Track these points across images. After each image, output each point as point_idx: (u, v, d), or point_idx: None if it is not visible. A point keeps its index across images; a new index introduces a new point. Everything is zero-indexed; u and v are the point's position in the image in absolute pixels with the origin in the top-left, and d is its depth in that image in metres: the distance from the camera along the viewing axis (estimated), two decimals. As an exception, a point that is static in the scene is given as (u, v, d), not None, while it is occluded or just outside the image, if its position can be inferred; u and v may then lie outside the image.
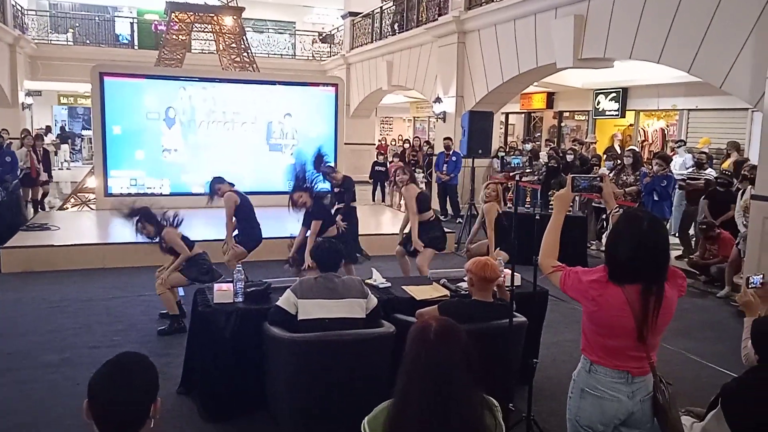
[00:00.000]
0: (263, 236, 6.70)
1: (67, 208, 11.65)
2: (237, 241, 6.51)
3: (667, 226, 9.13)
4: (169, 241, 5.63)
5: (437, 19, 13.58)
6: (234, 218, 6.47)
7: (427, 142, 16.32)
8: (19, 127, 14.62)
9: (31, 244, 8.02)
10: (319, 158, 6.96)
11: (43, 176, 11.70)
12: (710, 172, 9.55)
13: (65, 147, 22.93)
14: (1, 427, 3.89)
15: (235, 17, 16.97)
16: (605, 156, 11.88)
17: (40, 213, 11.00)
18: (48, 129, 23.24)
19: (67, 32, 20.85)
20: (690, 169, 10.01)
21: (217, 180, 6.60)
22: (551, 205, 3.09)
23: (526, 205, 9.31)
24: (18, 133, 12.89)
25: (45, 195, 12.09)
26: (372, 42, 17.88)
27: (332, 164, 7.45)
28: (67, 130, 25.49)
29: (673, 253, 8.13)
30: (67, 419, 3.90)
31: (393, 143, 18.15)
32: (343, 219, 6.65)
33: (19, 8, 18.08)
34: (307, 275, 4.97)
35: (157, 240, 5.66)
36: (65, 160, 22.21)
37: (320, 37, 22.92)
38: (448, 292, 4.33)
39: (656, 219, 2.43)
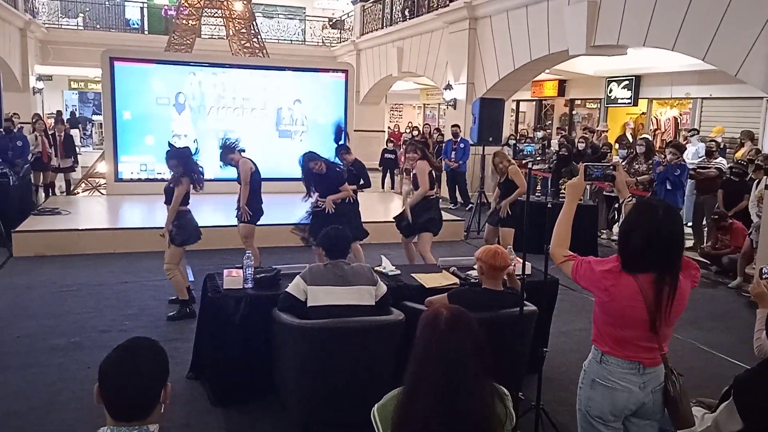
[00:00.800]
0: (274, 223, 6.69)
1: (78, 193, 11.70)
2: (243, 219, 6.46)
3: (680, 216, 9.06)
4: (177, 192, 5.54)
5: (448, 5, 13.45)
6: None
7: (437, 129, 16.25)
8: (30, 112, 14.66)
9: (43, 229, 8.06)
10: (339, 131, 7.08)
11: (66, 162, 11.69)
12: (720, 161, 9.45)
13: (75, 132, 22.96)
14: (11, 409, 3.92)
15: (245, 2, 16.89)
16: (617, 145, 11.79)
17: (51, 197, 11.05)
18: (59, 114, 23.29)
19: (78, 17, 20.84)
20: (702, 159, 9.92)
21: (231, 148, 6.43)
22: (562, 193, 3.05)
23: (536, 194, 9.26)
24: (29, 118, 12.93)
25: (68, 182, 12.06)
26: (382, 28, 17.77)
27: (347, 144, 7.43)
28: (77, 115, 25.54)
29: (687, 244, 8.08)
30: (77, 402, 3.93)
31: (407, 131, 18.02)
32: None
33: (30, -8, 18.10)
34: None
35: (171, 182, 5.61)
36: (78, 145, 22.25)
37: (330, 23, 22.80)
38: (457, 280, 4.32)
39: (671, 208, 2.39)
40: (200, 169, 5.73)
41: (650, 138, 11.64)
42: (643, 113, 14.96)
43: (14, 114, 12.06)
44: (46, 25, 18.69)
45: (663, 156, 9.08)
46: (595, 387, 2.42)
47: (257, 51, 16.84)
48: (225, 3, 16.72)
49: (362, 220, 6.72)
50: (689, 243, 8.72)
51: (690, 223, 9.40)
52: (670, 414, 2.41)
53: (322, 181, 6.20)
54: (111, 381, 1.63)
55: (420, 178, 6.45)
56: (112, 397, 1.62)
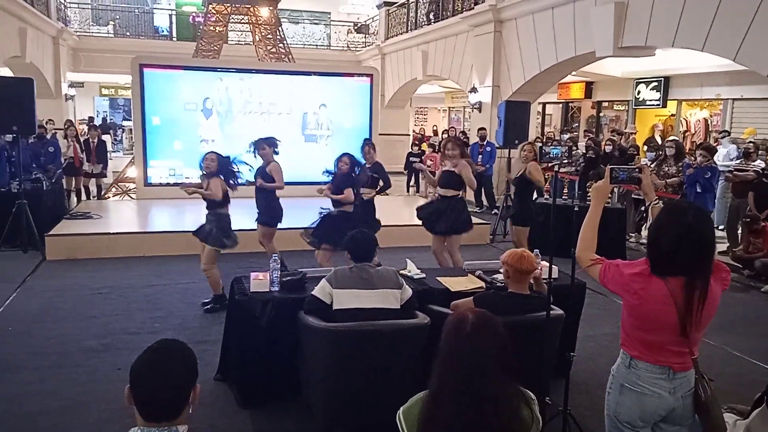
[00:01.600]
0: (298, 227, 6.75)
1: (109, 197, 11.91)
2: (263, 221, 6.64)
3: (710, 219, 8.88)
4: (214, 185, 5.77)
5: (473, 8, 13.42)
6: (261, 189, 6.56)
7: (463, 133, 16.20)
8: (63, 118, 14.99)
9: (74, 233, 8.23)
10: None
11: (98, 168, 11.92)
12: (759, 163, 9.24)
13: (107, 137, 23.48)
14: (44, 407, 4.01)
15: (271, 8, 17.06)
16: (645, 147, 11.62)
17: (83, 202, 11.27)
18: (91, 120, 23.86)
19: (108, 25, 21.26)
20: (734, 161, 9.72)
21: (271, 143, 6.51)
22: (589, 196, 3.02)
23: (563, 197, 9.17)
24: (62, 124, 13.22)
25: (99, 187, 12.26)
26: (407, 32, 17.79)
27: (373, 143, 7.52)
28: (108, 120, 26.07)
29: (718, 247, 7.94)
30: (108, 403, 4.00)
31: (434, 134, 17.97)
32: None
33: (62, 1, 18.50)
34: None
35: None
36: (108, 151, 22.74)
37: (355, 28, 22.91)
38: (483, 284, 4.30)
39: (702, 210, 2.35)
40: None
41: (680, 140, 11.46)
42: (672, 115, 14.73)
43: (49, 120, 12.33)
44: (78, 33, 19.10)
45: (693, 158, 8.93)
46: (624, 392, 2.39)
47: (283, 56, 16.99)
48: (251, 9, 16.91)
49: (383, 223, 6.76)
50: (722, 246, 8.56)
51: (722, 227, 9.22)
52: (701, 420, 2.36)
53: (336, 179, 6.35)
54: (143, 382, 1.67)
55: (467, 176, 6.41)
56: (143, 397, 1.66)
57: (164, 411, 1.67)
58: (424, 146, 16.89)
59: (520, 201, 7.34)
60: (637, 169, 2.70)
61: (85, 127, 13.01)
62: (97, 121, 25.12)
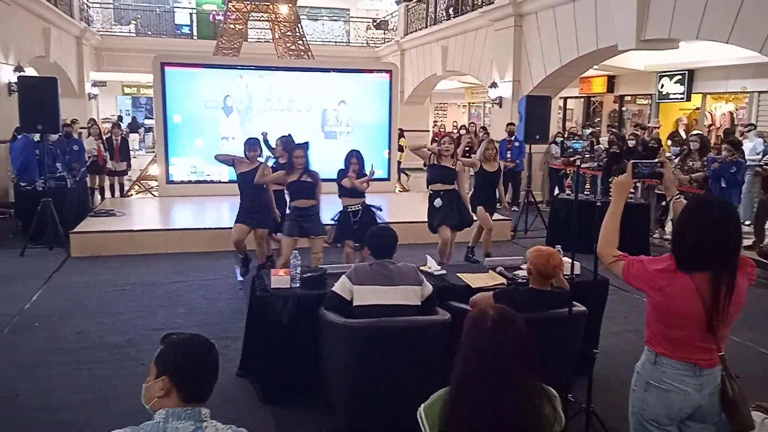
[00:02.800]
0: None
1: (131, 195, 12.06)
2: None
3: (736, 214, 8.72)
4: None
5: (493, 3, 13.32)
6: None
7: (483, 128, 16.11)
8: (86, 117, 15.19)
9: (98, 230, 8.34)
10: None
11: (121, 166, 12.05)
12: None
13: (134, 136, 24.03)
14: (69, 401, 4.07)
15: (290, 5, 17.11)
16: (670, 141, 11.45)
17: (107, 199, 11.42)
18: (120, 119, 24.40)
19: (130, 24, 21.50)
20: (760, 155, 9.53)
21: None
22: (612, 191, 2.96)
23: (585, 192, 9.08)
24: (85, 123, 13.40)
25: (121, 185, 12.40)
26: (426, 27, 17.73)
27: None
28: (138, 120, 26.52)
29: (744, 242, 7.80)
30: (132, 398, 4.03)
31: (454, 131, 17.85)
32: None
33: (85, 1, 18.73)
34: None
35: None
36: (135, 149, 23.25)
37: (374, 24, 22.88)
38: (504, 281, 4.27)
39: (728, 204, 2.31)
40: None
41: (704, 134, 11.27)
42: (696, 108, 14.50)
43: (74, 120, 12.51)
44: (100, 33, 19.33)
45: (718, 152, 8.78)
46: (650, 389, 2.36)
47: (302, 53, 17.04)
48: (271, 7, 16.97)
49: (405, 220, 6.82)
50: (747, 241, 8.41)
51: (748, 221, 9.06)
52: (728, 417, 2.32)
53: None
54: (189, 362, 1.84)
55: (460, 181, 6.80)
56: (188, 376, 1.82)
57: (204, 391, 1.85)
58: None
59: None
60: (659, 164, 2.66)
61: (108, 126, 13.15)
62: (127, 120, 25.69)
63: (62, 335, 5.24)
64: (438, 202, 6.61)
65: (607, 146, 11.29)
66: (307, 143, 6.37)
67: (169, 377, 1.81)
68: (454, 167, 6.66)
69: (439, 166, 6.68)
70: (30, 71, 12.49)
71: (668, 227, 9.50)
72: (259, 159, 6.68)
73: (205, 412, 1.82)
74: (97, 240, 8.08)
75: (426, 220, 6.90)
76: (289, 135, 7.04)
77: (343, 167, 6.42)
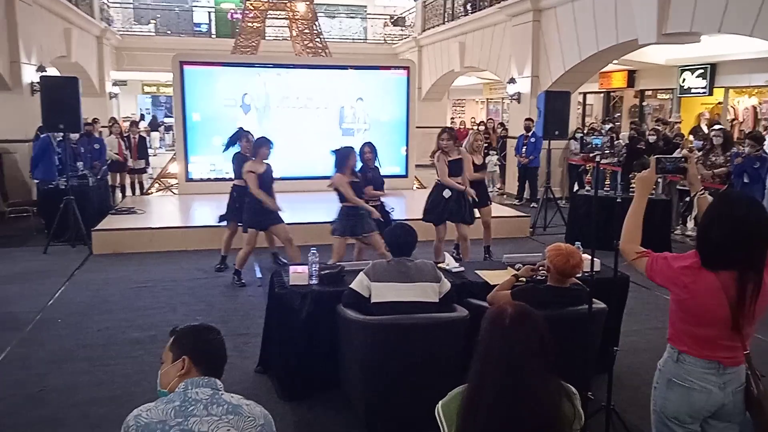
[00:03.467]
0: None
1: (152, 193, 12.18)
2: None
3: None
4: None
5: (511, -2, 13.23)
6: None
7: (501, 124, 16.02)
8: (107, 116, 15.37)
9: (119, 227, 8.44)
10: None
11: (139, 163, 12.18)
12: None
13: (155, 134, 24.45)
14: (94, 397, 4.13)
15: (307, 3, 17.15)
16: (692, 136, 11.29)
17: (128, 197, 11.54)
18: (142, 117, 24.92)
19: (149, 23, 21.70)
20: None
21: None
22: (632, 187, 2.92)
23: (605, 188, 8.99)
24: (106, 122, 13.56)
25: (141, 183, 12.52)
26: (444, 23, 17.66)
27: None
28: (158, 119, 26.93)
29: None
30: (154, 393, 4.07)
31: (473, 128, 17.74)
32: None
33: (105, 1, 18.93)
34: None
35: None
36: (155, 147, 23.72)
37: (392, 20, 22.84)
38: (523, 278, 4.23)
39: (756, 201, 2.27)
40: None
41: (727, 129, 11.10)
42: (719, 103, 14.28)
43: (95, 119, 12.65)
44: (120, 33, 19.53)
45: (741, 148, 8.64)
46: (672, 387, 2.33)
47: (320, 51, 17.07)
48: (288, 4, 17.02)
49: (420, 216, 6.85)
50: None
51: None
52: (753, 417, 2.29)
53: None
54: (210, 340, 2.06)
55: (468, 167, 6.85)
56: (203, 352, 2.02)
57: (218, 366, 2.03)
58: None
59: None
60: (683, 159, 2.62)
61: (128, 124, 13.28)
62: (148, 118, 26.10)
63: (85, 331, 5.32)
64: (447, 192, 6.62)
65: (627, 142, 11.17)
66: (351, 148, 6.41)
67: (187, 356, 1.99)
68: (461, 158, 6.74)
69: (451, 159, 6.71)
70: (52, 71, 12.66)
71: (690, 224, 9.37)
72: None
73: (220, 384, 1.98)
74: (119, 237, 8.17)
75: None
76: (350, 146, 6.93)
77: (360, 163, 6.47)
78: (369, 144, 6.78)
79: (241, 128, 7.40)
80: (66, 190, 8.34)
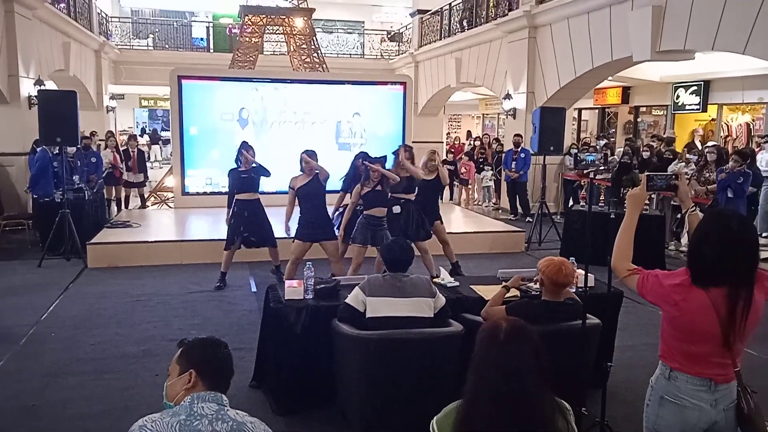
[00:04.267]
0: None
1: (148, 206, 12.17)
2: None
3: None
4: None
5: (507, 15, 13.36)
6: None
7: (497, 140, 16.09)
8: (104, 129, 15.40)
9: (115, 241, 8.43)
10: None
11: (139, 177, 12.16)
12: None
13: (155, 148, 24.61)
14: (84, 412, 4.11)
15: (305, 18, 17.28)
16: (686, 149, 11.37)
17: (123, 211, 11.54)
18: (143, 131, 25.08)
19: (148, 38, 21.80)
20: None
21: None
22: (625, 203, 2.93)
23: (600, 204, 9.03)
24: (104, 135, 13.58)
25: (142, 196, 12.47)
26: (440, 39, 17.79)
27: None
28: (158, 131, 27.05)
29: (761, 255, 7.70)
30: (148, 408, 4.05)
31: (469, 144, 17.79)
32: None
33: (104, 16, 19.03)
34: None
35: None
36: (156, 160, 23.96)
37: (389, 36, 23.01)
38: (518, 292, 4.25)
39: (745, 218, 2.30)
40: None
41: (721, 145, 11.17)
42: (712, 119, 14.39)
43: (93, 132, 12.68)
44: (119, 47, 19.61)
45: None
46: (664, 404, 2.34)
47: (317, 66, 17.17)
48: (286, 20, 17.15)
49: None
50: (765, 254, 8.31)
51: (765, 234, 8.97)
52: (745, 433, 2.30)
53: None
54: (210, 353, 2.05)
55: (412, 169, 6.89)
56: (210, 366, 2.02)
57: (225, 381, 2.05)
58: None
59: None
60: (674, 176, 2.65)
61: (125, 138, 13.32)
62: (141, 131, 26.21)
63: (79, 345, 5.30)
64: (397, 208, 6.65)
65: (619, 156, 11.23)
66: (384, 157, 6.53)
67: (194, 370, 1.99)
68: (414, 177, 6.80)
69: (407, 177, 6.77)
70: (50, 84, 12.69)
71: (684, 239, 9.42)
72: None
73: (226, 399, 2.00)
74: (114, 251, 8.16)
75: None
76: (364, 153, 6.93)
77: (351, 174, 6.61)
78: (362, 155, 6.69)
79: (244, 141, 7.39)
80: (62, 203, 8.34)
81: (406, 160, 6.74)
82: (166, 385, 2.05)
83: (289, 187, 6.42)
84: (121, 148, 12.21)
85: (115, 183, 11.76)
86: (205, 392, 1.96)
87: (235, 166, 7.10)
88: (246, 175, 6.97)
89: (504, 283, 4.00)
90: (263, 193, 7.35)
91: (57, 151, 8.91)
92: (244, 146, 7.14)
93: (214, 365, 2.03)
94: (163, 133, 26.38)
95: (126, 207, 12.01)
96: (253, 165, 7.01)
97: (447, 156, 15.12)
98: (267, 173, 7.09)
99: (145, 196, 12.58)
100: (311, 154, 6.42)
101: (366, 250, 6.29)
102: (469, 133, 22.80)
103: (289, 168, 7.11)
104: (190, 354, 2.05)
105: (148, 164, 14.15)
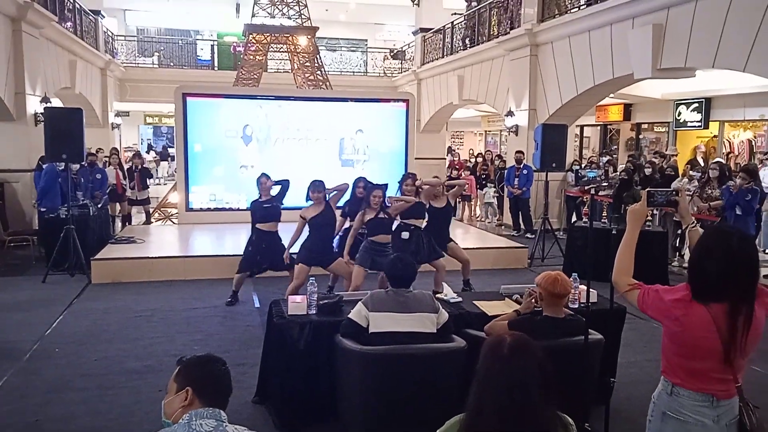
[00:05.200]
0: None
1: (152, 222, 12.22)
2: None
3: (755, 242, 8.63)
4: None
5: (509, 33, 13.47)
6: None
7: (499, 156, 16.15)
8: (109, 146, 15.50)
9: (118, 257, 8.46)
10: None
11: (143, 194, 12.16)
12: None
13: (164, 164, 24.76)
14: (88, 427, 4.11)
15: (309, 37, 17.43)
16: (690, 167, 11.40)
17: (127, 227, 11.57)
18: (150, 147, 25.28)
19: (153, 56, 22.00)
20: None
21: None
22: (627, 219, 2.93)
23: (602, 220, 9.04)
24: (108, 152, 13.66)
25: (147, 213, 12.49)
26: (443, 57, 17.93)
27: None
28: (155, 148, 27.19)
29: (763, 271, 7.69)
30: (150, 424, 4.07)
31: (470, 160, 17.85)
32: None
33: (110, 34, 19.24)
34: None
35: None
36: (162, 176, 24.43)
37: (392, 54, 23.18)
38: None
39: (746, 235, 2.31)
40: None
41: (724, 162, 11.21)
42: (714, 136, 14.44)
43: (99, 149, 12.75)
44: (124, 65, 19.79)
45: (733, 182, 8.73)
46: (666, 420, 2.34)
47: (321, 83, 17.29)
48: (290, 38, 17.30)
49: None
50: (766, 270, 8.30)
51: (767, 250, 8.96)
52: (747, 449, 2.30)
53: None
54: (207, 371, 2.06)
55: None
56: (208, 383, 2.02)
57: (223, 397, 2.04)
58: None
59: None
60: (674, 192, 2.67)
61: (129, 155, 13.40)
62: (157, 149, 26.54)
63: (83, 361, 5.31)
64: (405, 234, 6.65)
65: (621, 174, 11.25)
66: (386, 185, 6.57)
67: (191, 387, 1.99)
68: (422, 201, 6.85)
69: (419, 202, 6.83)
70: (56, 102, 12.81)
71: (686, 255, 9.41)
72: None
73: (224, 415, 1.99)
74: (118, 267, 8.19)
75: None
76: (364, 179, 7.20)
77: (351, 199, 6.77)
78: (362, 179, 6.95)
79: (263, 173, 7.28)
80: (67, 219, 8.38)
81: (412, 188, 6.71)
82: (164, 403, 2.06)
83: (300, 216, 6.43)
84: (125, 165, 12.28)
85: (119, 199, 11.81)
86: (203, 409, 1.96)
87: (257, 196, 7.09)
88: (269, 204, 6.96)
89: (516, 307, 4.00)
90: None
91: (62, 168, 8.97)
92: (263, 176, 7.11)
93: (211, 382, 2.04)
94: (170, 150, 26.56)
95: (130, 223, 12.05)
96: (272, 193, 6.98)
97: (451, 173, 15.14)
98: (286, 185, 7.07)
99: (150, 212, 12.59)
100: (319, 185, 6.40)
101: (366, 273, 6.31)
102: (471, 152, 22.87)
103: (292, 184, 7.15)
104: (188, 372, 2.05)
105: (155, 180, 14.20)
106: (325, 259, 6.51)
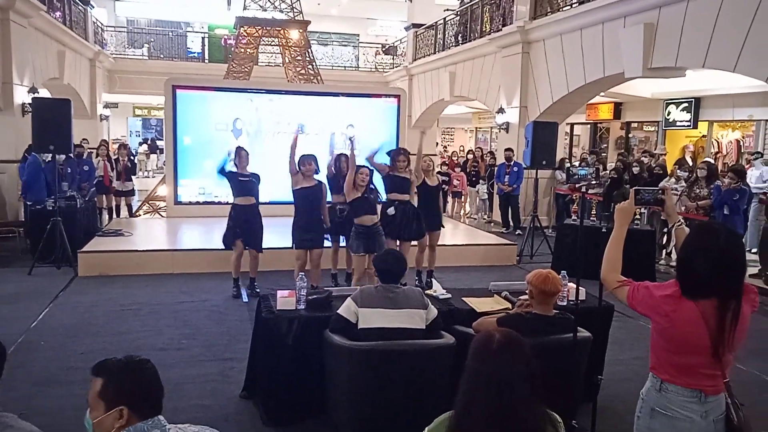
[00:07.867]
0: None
1: (140, 215, 12.13)
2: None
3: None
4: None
5: (501, 30, 13.48)
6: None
7: (490, 153, 16.17)
8: (98, 138, 15.37)
9: (106, 249, 8.40)
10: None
11: (127, 186, 12.12)
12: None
13: (153, 157, 24.61)
14: (72, 420, 4.07)
15: (300, 31, 17.37)
16: (677, 166, 11.48)
17: (115, 219, 11.49)
18: (145, 140, 25.24)
19: (143, 47, 21.84)
20: (767, 183, 9.53)
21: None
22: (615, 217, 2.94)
23: (591, 218, 9.08)
24: (97, 144, 13.54)
25: (129, 206, 12.42)
26: (435, 53, 17.92)
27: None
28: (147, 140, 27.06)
29: (749, 270, 7.76)
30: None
31: (459, 157, 17.84)
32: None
33: (99, 25, 19.06)
34: None
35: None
36: (151, 169, 24.27)
37: (383, 49, 23.15)
38: (509, 305, 4.27)
39: (734, 232, 2.34)
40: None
41: (712, 161, 11.29)
42: (703, 136, 14.54)
43: (84, 140, 12.63)
44: (114, 56, 19.62)
45: (723, 180, 8.80)
46: (655, 416, 2.35)
47: (312, 77, 17.24)
48: (282, 31, 17.22)
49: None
50: (754, 270, 8.38)
51: (754, 249, 9.04)
52: (734, 446, 2.32)
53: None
54: (136, 384, 1.90)
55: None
56: (140, 397, 1.88)
57: (158, 403, 1.91)
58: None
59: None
60: (661, 191, 2.70)
61: (116, 147, 13.30)
62: (135, 139, 26.34)
63: (69, 354, 5.26)
64: (391, 210, 6.69)
65: (611, 172, 11.31)
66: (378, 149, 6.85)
67: (125, 405, 1.85)
68: (408, 177, 6.93)
69: (394, 175, 6.91)
70: (44, 92, 12.67)
71: (673, 253, 9.47)
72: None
73: (164, 420, 1.89)
74: (105, 259, 8.13)
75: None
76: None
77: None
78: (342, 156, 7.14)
79: (239, 146, 7.42)
80: (53, 211, 8.30)
81: (403, 162, 6.77)
82: (92, 422, 1.91)
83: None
84: (113, 157, 12.18)
85: (106, 192, 11.70)
86: (142, 423, 1.84)
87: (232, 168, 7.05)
88: (246, 178, 6.97)
89: (506, 305, 3.99)
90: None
91: (48, 159, 8.89)
92: (244, 150, 7.17)
93: (144, 394, 1.89)
94: (159, 143, 26.40)
95: (117, 216, 11.96)
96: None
97: (441, 168, 15.15)
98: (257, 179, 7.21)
99: (133, 206, 12.50)
100: (310, 157, 6.66)
101: (365, 259, 6.32)
102: (462, 148, 22.88)
103: (283, 179, 7.14)
104: (116, 387, 1.88)
105: (143, 173, 14.11)
106: (316, 240, 6.63)
